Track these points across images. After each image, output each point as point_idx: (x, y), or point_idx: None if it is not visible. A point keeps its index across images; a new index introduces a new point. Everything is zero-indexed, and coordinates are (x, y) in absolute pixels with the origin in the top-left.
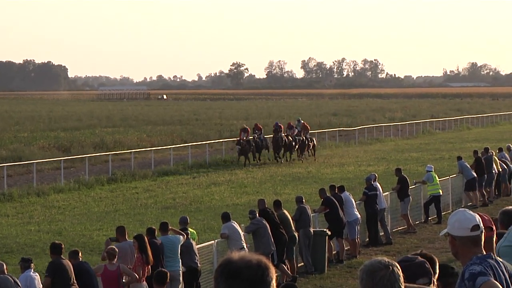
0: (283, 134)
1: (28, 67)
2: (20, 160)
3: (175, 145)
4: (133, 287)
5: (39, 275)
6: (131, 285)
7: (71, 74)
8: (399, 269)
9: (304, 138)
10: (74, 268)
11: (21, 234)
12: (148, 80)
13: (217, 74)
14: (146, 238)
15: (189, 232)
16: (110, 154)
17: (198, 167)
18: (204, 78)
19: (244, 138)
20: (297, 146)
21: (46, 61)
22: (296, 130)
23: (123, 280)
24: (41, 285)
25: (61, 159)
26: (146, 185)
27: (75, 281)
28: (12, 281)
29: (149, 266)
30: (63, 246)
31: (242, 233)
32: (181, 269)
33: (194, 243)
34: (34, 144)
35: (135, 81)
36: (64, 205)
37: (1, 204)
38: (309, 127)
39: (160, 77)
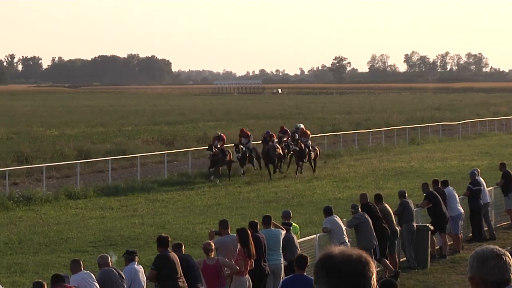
0: (275, 144)
1: (132, 62)
2: (124, 153)
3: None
4: (235, 280)
5: (143, 267)
6: (233, 278)
7: (174, 68)
8: (510, 259)
9: (303, 145)
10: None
11: (125, 227)
12: (250, 74)
13: (320, 68)
14: (248, 231)
15: (291, 226)
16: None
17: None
18: (306, 72)
19: (219, 146)
20: (289, 155)
21: (150, 56)
22: (295, 135)
23: (225, 273)
24: (145, 278)
25: (164, 153)
26: (248, 179)
27: (182, 274)
28: (117, 273)
29: (252, 260)
30: (169, 239)
31: (344, 228)
32: (282, 262)
33: (295, 237)
34: (138, 138)
35: (237, 75)
36: (168, 199)
37: (105, 197)
38: (309, 133)
39: (262, 71)
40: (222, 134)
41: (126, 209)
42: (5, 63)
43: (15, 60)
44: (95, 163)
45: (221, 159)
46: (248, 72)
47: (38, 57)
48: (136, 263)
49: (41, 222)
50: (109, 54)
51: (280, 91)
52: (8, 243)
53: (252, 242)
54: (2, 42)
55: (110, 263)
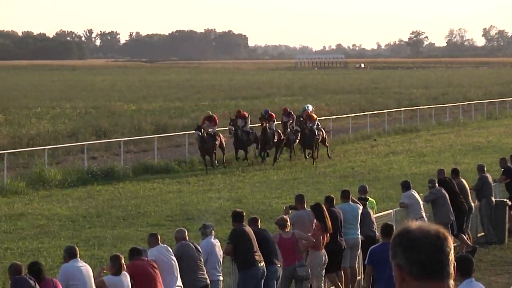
0: (273, 126)
1: (209, 37)
2: None
3: (354, 114)
4: (311, 254)
5: (219, 241)
6: (310, 252)
7: (251, 43)
8: None
9: (307, 130)
10: (255, 235)
11: (202, 201)
12: (327, 48)
13: (396, 42)
14: (322, 206)
15: (367, 201)
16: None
17: (376, 136)
18: (383, 47)
19: (210, 130)
20: (298, 141)
21: (226, 30)
22: (301, 118)
23: (301, 247)
24: (222, 252)
25: None
26: (324, 154)
27: (258, 249)
28: (194, 247)
29: (328, 234)
30: (244, 214)
31: (421, 203)
32: (360, 237)
33: (372, 212)
34: (215, 113)
35: (314, 50)
36: (244, 173)
37: (183, 172)
38: (315, 117)
39: (339, 45)
40: (213, 115)
41: (202, 184)
42: (83, 38)
43: (93, 35)
44: (172, 138)
45: (211, 146)
46: (324, 47)
47: (116, 32)
48: (213, 237)
49: (119, 196)
50: (186, 29)
51: (363, 65)
52: (86, 216)
53: (328, 216)
54: (81, 17)
55: (187, 237)
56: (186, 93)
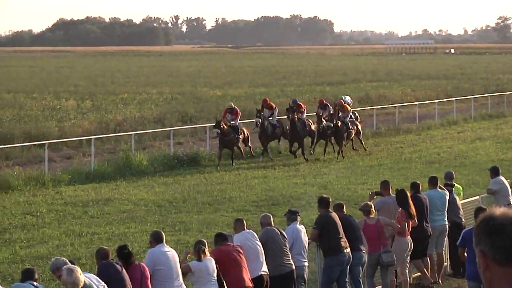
0: (304, 117)
1: (294, 22)
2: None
3: (440, 99)
4: (396, 241)
5: (304, 227)
6: (395, 238)
7: (336, 28)
8: None
9: (340, 123)
10: (340, 221)
11: (287, 186)
12: (413, 34)
13: (483, 27)
14: (406, 192)
15: (453, 187)
16: (374, 108)
17: (463, 122)
18: (470, 32)
19: (232, 122)
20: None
21: (312, 16)
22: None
23: (386, 233)
24: (307, 237)
25: None
26: (410, 140)
27: (343, 234)
28: (279, 233)
29: (414, 220)
30: (330, 200)
31: (510, 189)
32: (447, 223)
33: (458, 198)
34: (300, 98)
35: (400, 36)
36: (329, 159)
37: (267, 157)
38: (349, 108)
39: (425, 31)
40: (236, 107)
41: (288, 169)
42: (170, 24)
43: (179, 21)
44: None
45: (232, 141)
46: (410, 33)
47: (202, 18)
48: (298, 223)
49: (205, 181)
50: (272, 15)
51: (453, 51)
52: (172, 202)
53: (411, 203)
54: (168, 3)
55: (272, 223)
56: (272, 78)
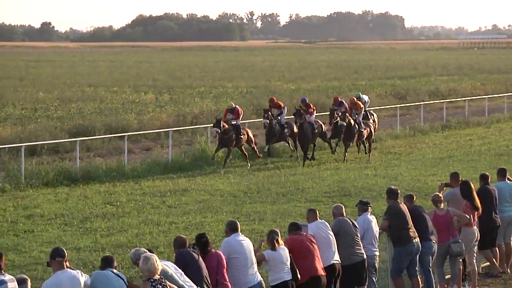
0: (312, 118)
1: (366, 18)
2: None
3: (509, 93)
4: (463, 231)
5: (376, 218)
6: (462, 229)
7: (407, 24)
8: None
9: (353, 122)
10: (410, 212)
11: (358, 178)
12: (482, 29)
13: None
14: (470, 184)
15: None
16: (444, 102)
17: None
18: None
19: (233, 122)
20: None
21: (383, 12)
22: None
23: (455, 224)
24: (378, 228)
25: (397, 106)
26: (479, 132)
27: (412, 225)
28: (351, 223)
29: (479, 212)
30: (399, 191)
31: None
32: None
33: None
34: (371, 92)
35: (469, 31)
36: (400, 151)
37: (339, 149)
38: (361, 106)
39: (494, 26)
40: (237, 106)
41: (359, 161)
42: (245, 20)
43: (254, 17)
44: None
45: (231, 139)
46: (480, 28)
47: (276, 14)
48: (369, 213)
49: (278, 173)
50: (344, 11)
51: None
52: (247, 192)
53: (475, 195)
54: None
55: (344, 213)
56: (343, 73)
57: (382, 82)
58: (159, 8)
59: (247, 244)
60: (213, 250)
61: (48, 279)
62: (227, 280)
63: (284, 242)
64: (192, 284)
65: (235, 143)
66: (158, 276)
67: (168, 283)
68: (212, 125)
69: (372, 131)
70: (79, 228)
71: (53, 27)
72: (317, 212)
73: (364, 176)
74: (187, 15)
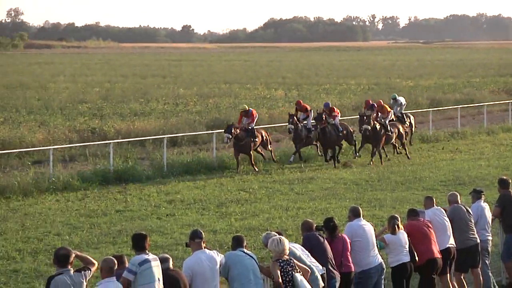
0: (336, 121)
1: (480, 20)
2: (472, 102)
3: None
4: None
5: (488, 205)
6: None
7: None
8: None
9: (378, 125)
10: None
11: (472, 168)
12: None
13: None
14: None
15: None
16: None
17: None
18: None
19: (249, 127)
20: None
21: (496, 14)
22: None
23: None
24: (490, 214)
25: (508, 102)
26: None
27: None
28: (465, 210)
29: None
30: (510, 181)
31: None
32: None
33: None
34: (485, 88)
35: None
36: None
37: (454, 141)
38: (389, 110)
39: None
40: (251, 109)
41: (473, 152)
42: (367, 22)
43: (376, 20)
44: (445, 111)
45: (248, 145)
46: None
47: (396, 16)
48: (483, 201)
49: (397, 162)
50: (459, 13)
51: None
52: (368, 181)
53: None
54: (366, 3)
55: (459, 201)
56: (459, 71)
57: (495, 80)
58: (289, 12)
59: (369, 228)
60: (339, 234)
61: (188, 258)
62: (350, 262)
63: (403, 227)
64: (318, 264)
65: (252, 147)
66: (287, 257)
67: (296, 263)
68: (224, 131)
69: (403, 133)
70: (215, 212)
71: (193, 29)
72: (434, 199)
73: (478, 166)
74: (314, 18)
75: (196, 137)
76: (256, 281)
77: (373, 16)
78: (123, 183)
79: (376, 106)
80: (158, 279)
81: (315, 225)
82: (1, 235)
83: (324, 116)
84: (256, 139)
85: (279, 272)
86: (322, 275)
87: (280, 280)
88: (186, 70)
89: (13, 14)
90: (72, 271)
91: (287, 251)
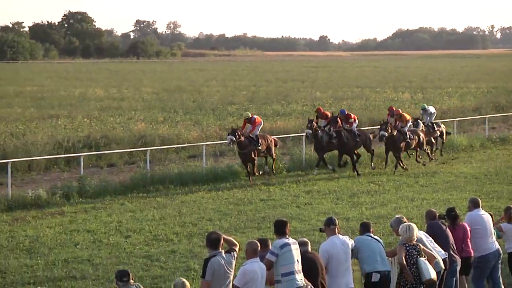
0: (354, 128)
1: None
2: None
3: None
4: None
5: None
6: None
7: None
8: None
9: (395, 132)
10: None
11: None
12: None
13: None
14: None
15: None
16: None
17: None
18: None
19: (245, 135)
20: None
21: None
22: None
23: None
24: None
25: None
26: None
27: None
28: None
29: None
30: None
31: None
32: None
33: None
34: None
35: None
36: None
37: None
38: (408, 118)
39: None
40: (254, 116)
41: None
42: (486, 32)
43: (495, 30)
44: None
45: (251, 153)
46: None
47: None
48: None
49: None
50: None
51: None
52: (487, 175)
53: None
54: (484, 15)
55: None
56: None
57: None
58: (415, 23)
59: (487, 217)
60: (460, 223)
61: (324, 242)
62: (470, 248)
63: None
64: (441, 249)
65: (256, 154)
66: (414, 243)
67: (423, 248)
68: (227, 134)
69: (422, 140)
70: (348, 202)
71: (329, 39)
72: None
73: None
74: (438, 28)
75: None
76: (382, 262)
77: (492, 27)
78: (266, 175)
79: (401, 112)
80: (297, 260)
81: (438, 214)
82: (161, 220)
83: (339, 120)
84: (259, 147)
85: (404, 254)
86: (444, 260)
87: (404, 262)
88: (322, 76)
89: (172, 27)
90: (223, 253)
91: (415, 237)
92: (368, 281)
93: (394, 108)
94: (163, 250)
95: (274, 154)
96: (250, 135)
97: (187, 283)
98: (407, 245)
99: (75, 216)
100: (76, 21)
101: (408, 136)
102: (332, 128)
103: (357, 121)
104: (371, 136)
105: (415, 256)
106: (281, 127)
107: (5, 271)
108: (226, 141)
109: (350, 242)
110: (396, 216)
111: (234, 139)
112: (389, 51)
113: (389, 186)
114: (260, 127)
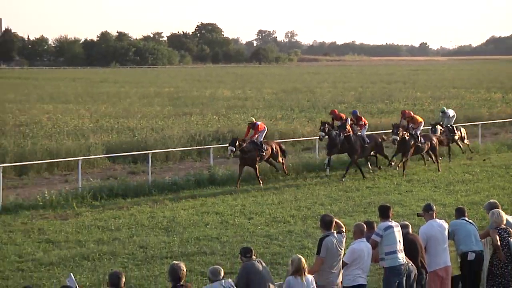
0: (363, 132)
1: None
2: None
3: None
4: None
5: None
6: None
7: None
8: None
9: (407, 135)
10: None
11: None
12: None
13: None
14: None
15: None
16: None
17: None
18: None
19: (247, 140)
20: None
21: None
22: (443, 120)
23: None
24: None
25: None
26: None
27: None
28: None
29: None
30: None
31: None
32: None
33: None
34: None
35: None
36: None
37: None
38: (419, 120)
39: None
40: (258, 122)
41: None
42: None
43: None
44: None
45: (253, 158)
46: None
47: None
48: None
49: None
50: None
51: None
52: None
53: None
54: None
55: None
56: None
57: None
58: (507, 30)
59: None
60: None
61: (423, 225)
62: None
63: None
64: None
65: (259, 160)
66: (504, 226)
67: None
68: (228, 144)
69: (435, 145)
70: (445, 190)
71: (428, 45)
72: None
73: None
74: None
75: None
76: (477, 243)
77: None
78: (371, 166)
79: (414, 116)
80: (399, 241)
81: None
82: (279, 204)
83: (348, 125)
84: (264, 153)
85: (497, 236)
86: None
87: (499, 243)
88: (422, 78)
89: (289, 36)
90: (335, 233)
91: (504, 222)
92: (464, 260)
93: (406, 111)
94: (281, 230)
95: (281, 159)
96: (254, 139)
97: (303, 259)
98: (499, 228)
99: (205, 200)
100: (207, 31)
101: (419, 139)
102: (341, 134)
103: (367, 125)
104: (379, 140)
105: (506, 238)
106: (385, 123)
107: (146, 247)
108: (228, 152)
109: (446, 225)
110: (490, 201)
111: (234, 149)
112: (482, 56)
113: (482, 176)
114: (264, 134)
